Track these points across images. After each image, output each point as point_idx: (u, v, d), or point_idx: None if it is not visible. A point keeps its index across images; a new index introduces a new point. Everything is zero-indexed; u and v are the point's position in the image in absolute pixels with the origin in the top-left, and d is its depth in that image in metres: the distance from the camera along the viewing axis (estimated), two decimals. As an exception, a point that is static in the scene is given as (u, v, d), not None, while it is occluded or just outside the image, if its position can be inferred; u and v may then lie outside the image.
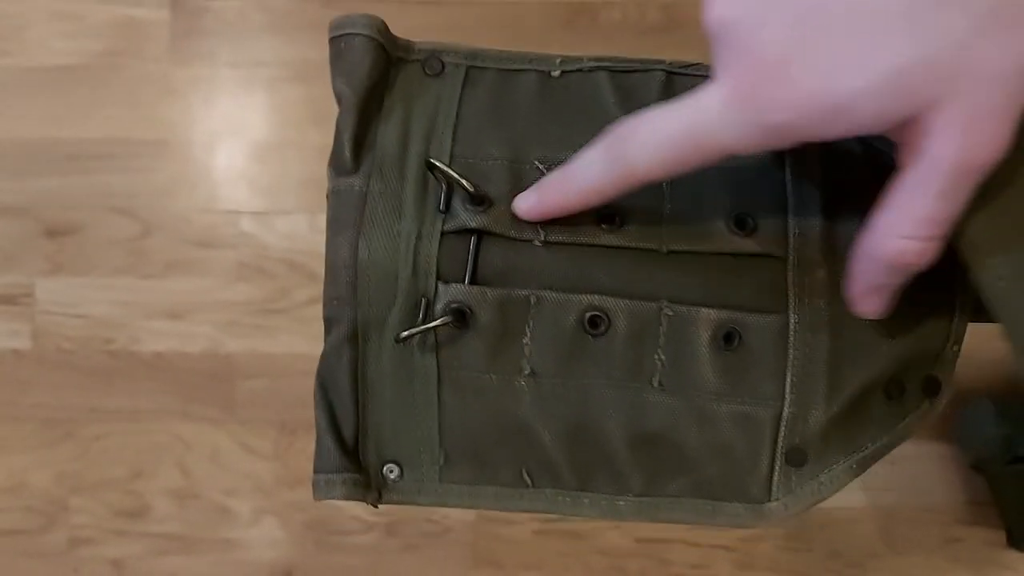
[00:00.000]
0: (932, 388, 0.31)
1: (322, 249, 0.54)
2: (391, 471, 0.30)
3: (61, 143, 0.62)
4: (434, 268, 0.30)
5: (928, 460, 0.57)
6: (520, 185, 0.30)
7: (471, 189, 0.29)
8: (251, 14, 0.61)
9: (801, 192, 0.30)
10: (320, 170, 0.63)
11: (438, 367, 0.30)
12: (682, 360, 0.29)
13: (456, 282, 0.30)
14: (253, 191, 0.60)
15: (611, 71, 0.33)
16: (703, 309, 0.29)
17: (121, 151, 0.61)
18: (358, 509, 0.60)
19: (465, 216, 0.29)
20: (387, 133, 0.32)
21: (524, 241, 0.30)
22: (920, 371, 0.31)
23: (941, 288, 0.30)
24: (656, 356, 0.29)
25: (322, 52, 0.63)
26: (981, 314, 0.31)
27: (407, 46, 0.33)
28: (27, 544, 0.61)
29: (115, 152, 0.61)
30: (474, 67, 0.33)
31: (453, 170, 0.29)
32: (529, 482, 0.30)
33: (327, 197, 0.32)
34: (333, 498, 0.30)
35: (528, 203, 0.29)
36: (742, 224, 0.30)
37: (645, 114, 0.26)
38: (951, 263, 0.28)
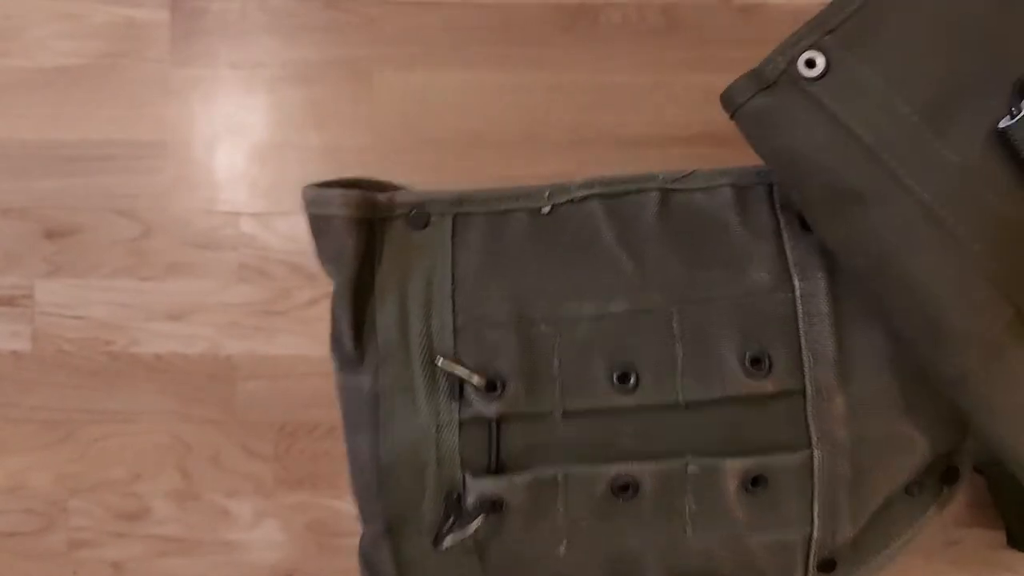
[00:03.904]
0: (951, 477, 0.32)
1: (324, 251, 0.53)
2: None
3: (60, 144, 0.61)
4: (458, 459, 0.29)
5: (928, 462, 0.57)
6: (531, 352, 0.29)
7: (482, 384, 0.28)
8: (252, 15, 0.61)
9: (811, 317, 0.30)
10: (320, 171, 0.63)
11: (477, 552, 0.30)
12: (712, 505, 0.30)
13: (481, 471, 0.29)
14: (254, 192, 0.60)
15: (603, 198, 0.32)
16: (728, 460, 0.29)
17: (121, 152, 0.61)
18: (358, 511, 0.60)
19: (481, 405, 0.29)
20: (385, 315, 0.31)
21: (542, 415, 0.29)
22: (939, 466, 0.32)
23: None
24: (686, 506, 0.30)
25: (323, 53, 0.64)
26: None
27: (389, 203, 0.32)
28: (26, 545, 0.61)
29: (115, 153, 0.61)
30: (460, 214, 0.32)
31: (461, 361, 0.28)
32: None
33: (336, 390, 0.31)
34: None
35: None
36: (757, 363, 0.30)
37: None
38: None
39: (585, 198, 0.32)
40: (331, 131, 0.59)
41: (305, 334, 0.59)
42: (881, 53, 0.28)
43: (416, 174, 0.59)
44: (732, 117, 0.30)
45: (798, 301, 0.30)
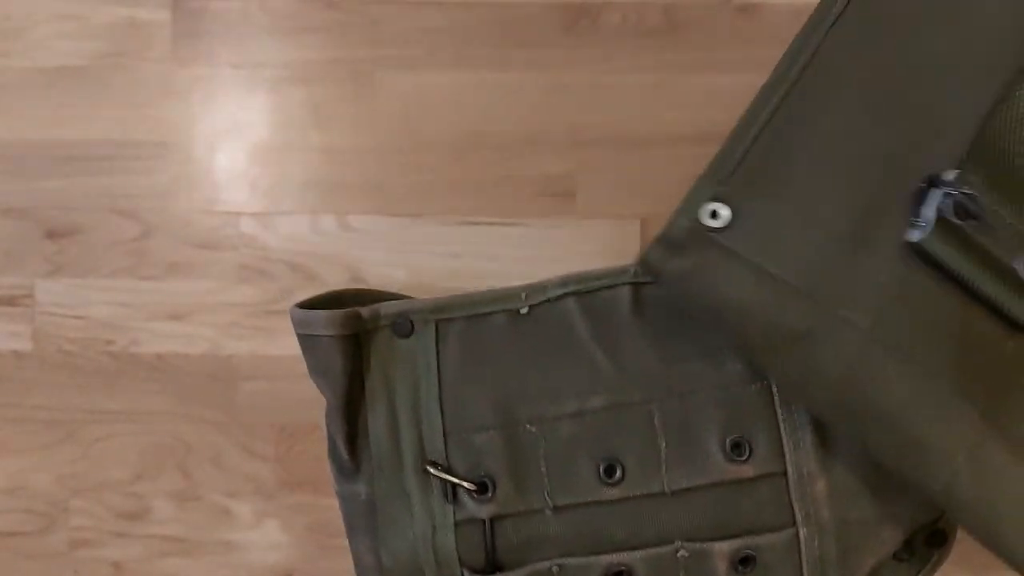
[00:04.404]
0: (938, 540, 0.32)
1: (324, 251, 0.55)
2: None
3: (61, 144, 0.62)
4: (455, 558, 0.30)
5: (929, 462, 0.57)
6: (518, 453, 0.30)
7: (473, 489, 0.29)
8: (253, 15, 0.61)
9: (788, 406, 0.31)
10: (321, 171, 0.63)
11: None
12: None
13: (479, 568, 0.30)
14: (254, 192, 0.60)
15: (578, 295, 0.32)
16: (716, 544, 0.30)
17: (122, 152, 0.61)
18: (359, 511, 0.60)
19: (473, 508, 0.30)
20: (376, 424, 0.32)
21: (534, 511, 0.29)
22: (924, 531, 0.32)
23: None
24: None
25: (324, 53, 0.63)
26: None
27: (374, 316, 0.33)
28: (27, 546, 0.61)
29: (115, 153, 0.61)
30: (442, 320, 0.33)
31: (451, 467, 0.29)
32: None
33: (337, 497, 0.32)
34: None
35: None
36: (738, 450, 0.30)
37: None
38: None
39: (560, 297, 0.32)
40: (332, 131, 0.59)
41: (305, 334, 0.59)
42: (783, 189, 0.28)
43: (416, 174, 0.59)
44: (657, 282, 0.30)
45: (774, 389, 0.31)
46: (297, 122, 0.60)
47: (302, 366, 0.59)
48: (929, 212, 0.27)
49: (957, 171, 0.27)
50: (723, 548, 0.30)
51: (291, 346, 0.59)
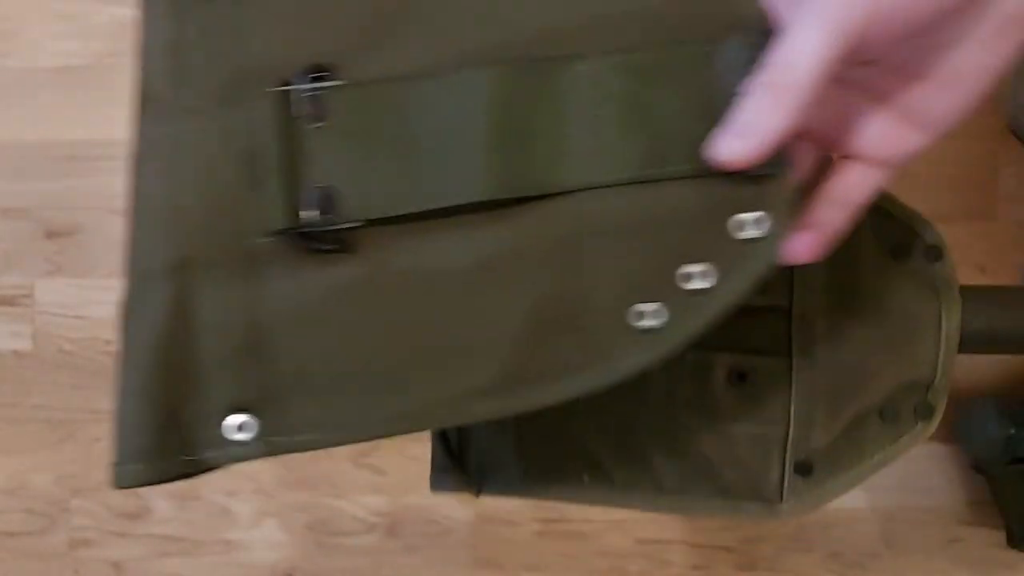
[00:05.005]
0: (925, 412, 0.36)
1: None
2: (488, 469, 0.36)
3: (61, 144, 0.62)
4: None
5: (929, 460, 0.57)
6: None
7: None
8: (251, 15, 0.61)
9: None
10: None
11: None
12: (703, 392, 0.35)
13: None
14: (253, 192, 0.60)
15: None
16: (719, 354, 0.35)
17: (121, 152, 0.61)
18: (359, 510, 0.60)
19: None
20: None
21: None
22: (913, 397, 0.36)
23: (928, 326, 0.35)
24: (683, 390, 0.35)
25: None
26: (967, 348, 0.35)
27: None
28: (28, 545, 0.61)
29: (115, 153, 0.61)
30: None
31: None
32: (587, 481, 0.36)
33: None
34: (444, 491, 0.36)
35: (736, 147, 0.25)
36: None
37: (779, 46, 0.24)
38: (937, 302, 0.34)
39: None
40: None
41: (305, 334, 0.59)
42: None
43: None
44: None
45: None
46: (296, 121, 0.60)
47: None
48: None
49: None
50: (724, 359, 0.35)
51: (291, 345, 0.59)
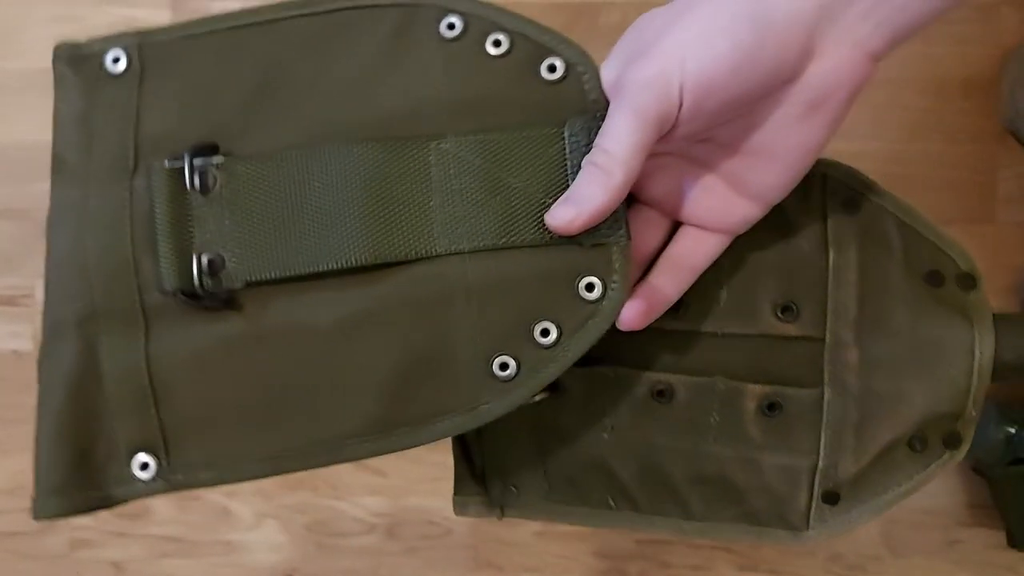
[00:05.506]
0: (953, 442, 0.35)
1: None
2: (511, 493, 0.36)
3: (61, 145, 0.62)
4: None
5: (929, 462, 0.58)
6: None
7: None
8: (251, 16, 0.61)
9: (840, 284, 0.34)
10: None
11: (539, 421, 0.35)
12: (732, 421, 0.35)
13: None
14: (253, 193, 0.60)
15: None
16: (750, 384, 0.34)
17: (121, 153, 0.61)
18: (359, 511, 0.60)
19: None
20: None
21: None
22: (942, 427, 0.35)
23: (961, 355, 0.34)
24: (711, 418, 0.35)
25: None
26: (998, 377, 0.34)
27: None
28: (28, 546, 0.61)
29: (115, 154, 0.61)
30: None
31: None
32: (612, 506, 0.36)
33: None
34: (468, 515, 0.36)
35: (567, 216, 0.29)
36: (787, 311, 0.34)
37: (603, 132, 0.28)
38: (971, 332, 0.34)
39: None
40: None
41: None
42: None
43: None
44: None
45: (830, 270, 0.34)
46: (296, 122, 0.60)
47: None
48: None
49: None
50: (755, 390, 0.34)
51: (291, 346, 0.59)
